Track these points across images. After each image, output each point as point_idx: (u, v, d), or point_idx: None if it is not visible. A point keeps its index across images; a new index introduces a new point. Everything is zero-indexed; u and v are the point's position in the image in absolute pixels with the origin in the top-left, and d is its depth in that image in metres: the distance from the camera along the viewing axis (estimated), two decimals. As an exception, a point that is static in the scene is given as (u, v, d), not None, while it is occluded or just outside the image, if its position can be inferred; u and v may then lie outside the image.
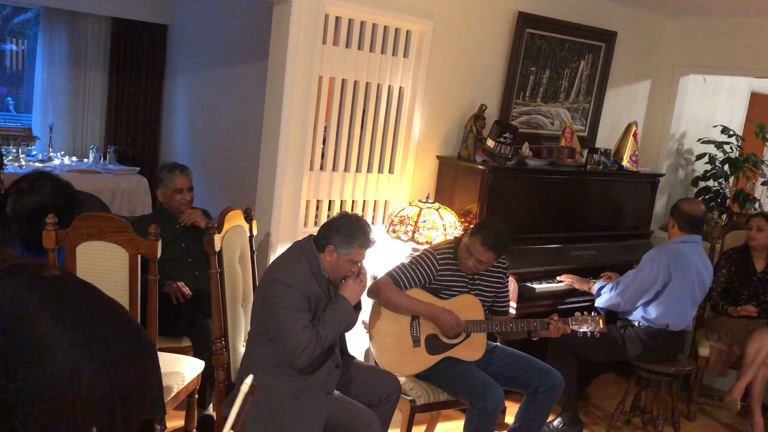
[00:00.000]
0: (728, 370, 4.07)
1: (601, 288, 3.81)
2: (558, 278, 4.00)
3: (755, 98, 5.93)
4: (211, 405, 3.33)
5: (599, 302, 3.77)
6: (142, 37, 6.71)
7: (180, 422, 3.26)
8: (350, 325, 2.67)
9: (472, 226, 3.24)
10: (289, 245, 3.56)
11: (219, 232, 2.82)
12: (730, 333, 4.03)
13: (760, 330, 3.90)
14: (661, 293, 3.64)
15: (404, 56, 3.90)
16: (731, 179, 5.13)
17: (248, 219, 3.17)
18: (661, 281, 3.63)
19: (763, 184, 5.15)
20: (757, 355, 3.85)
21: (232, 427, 1.58)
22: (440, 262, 3.10)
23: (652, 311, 3.67)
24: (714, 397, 4.50)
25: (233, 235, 2.99)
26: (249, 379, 1.70)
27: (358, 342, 3.71)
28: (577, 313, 3.14)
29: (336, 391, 2.67)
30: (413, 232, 3.63)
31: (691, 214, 3.71)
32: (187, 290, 3.24)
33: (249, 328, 2.83)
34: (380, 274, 3.24)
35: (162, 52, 6.86)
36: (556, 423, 3.72)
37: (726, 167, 5.02)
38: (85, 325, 1.79)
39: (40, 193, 2.67)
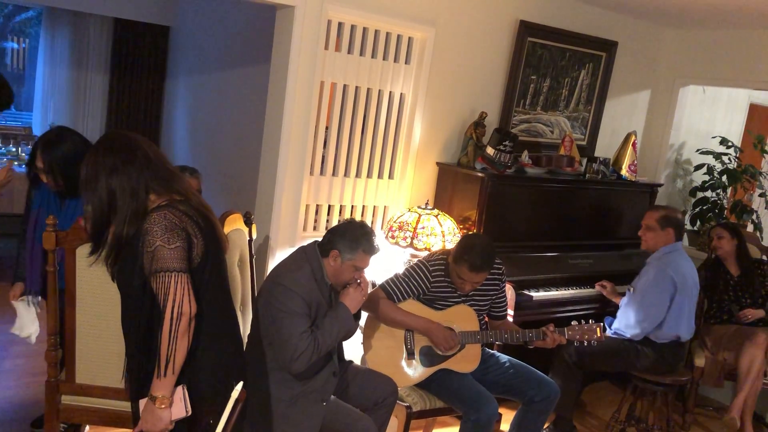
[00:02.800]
0: (723, 380, 4.08)
1: (610, 323, 3.78)
2: (596, 284, 4.06)
3: (754, 110, 5.96)
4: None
5: (614, 328, 3.73)
6: (143, 38, 6.73)
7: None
8: (349, 333, 2.68)
9: (457, 240, 3.22)
10: (288, 249, 3.58)
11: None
12: (722, 342, 4.05)
13: (750, 343, 3.91)
14: (671, 307, 3.66)
15: (406, 63, 3.92)
16: (729, 190, 5.14)
17: (248, 223, 3.17)
18: (670, 297, 3.65)
19: (760, 195, 5.17)
20: (751, 368, 3.86)
21: None
22: (433, 273, 3.10)
23: (664, 325, 3.68)
24: (709, 407, 4.51)
25: (233, 239, 2.99)
26: (239, 386, 1.72)
27: (355, 347, 3.71)
28: (574, 323, 3.14)
29: (332, 396, 2.67)
30: (412, 238, 3.64)
31: (681, 222, 3.80)
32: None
33: (247, 332, 2.84)
34: (379, 281, 3.24)
35: (163, 53, 6.87)
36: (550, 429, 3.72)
37: (724, 178, 5.04)
38: None
39: (69, 141, 2.85)
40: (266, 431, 2.56)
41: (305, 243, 2.78)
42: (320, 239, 2.71)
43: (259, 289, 2.66)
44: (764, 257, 4.41)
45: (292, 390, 2.56)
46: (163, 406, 1.93)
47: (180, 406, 1.96)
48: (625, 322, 3.68)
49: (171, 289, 1.91)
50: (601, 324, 3.16)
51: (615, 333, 3.72)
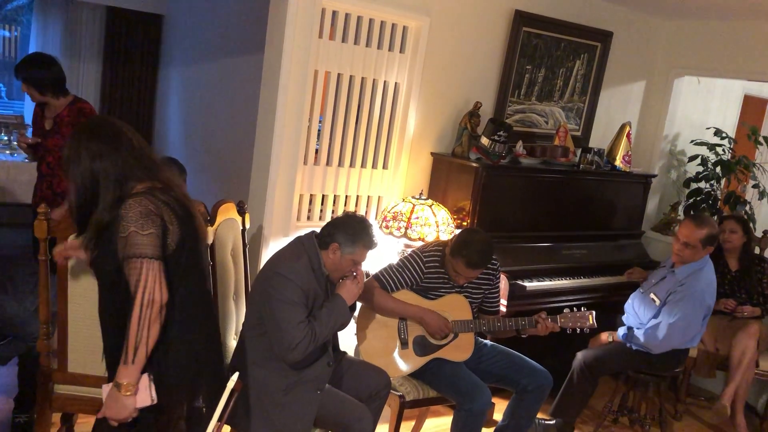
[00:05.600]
0: (715, 371, 4.10)
1: (629, 329, 3.66)
2: (626, 273, 4.02)
3: (748, 101, 5.96)
4: (201, 398, 3.32)
5: (649, 344, 3.58)
6: (136, 26, 6.67)
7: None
8: (345, 324, 2.68)
9: (456, 232, 3.22)
10: (281, 239, 3.57)
11: (211, 225, 2.82)
12: (715, 334, 4.06)
13: (742, 333, 3.93)
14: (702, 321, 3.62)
15: (400, 52, 3.90)
16: (723, 181, 5.15)
17: (241, 212, 3.17)
18: (702, 318, 3.59)
19: (753, 186, 5.18)
20: (742, 359, 3.88)
21: (218, 421, 1.60)
22: (427, 264, 3.10)
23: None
24: (701, 397, 4.54)
25: (226, 228, 2.99)
26: (235, 376, 1.71)
27: (348, 337, 3.71)
28: (566, 310, 3.13)
29: (327, 385, 2.67)
30: (406, 228, 3.63)
31: (718, 237, 3.67)
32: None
33: (240, 322, 2.83)
34: (372, 271, 3.24)
35: (157, 42, 6.82)
36: (548, 423, 3.73)
37: (718, 169, 5.04)
38: None
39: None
40: (262, 420, 2.56)
41: (299, 233, 2.78)
42: (317, 230, 2.70)
43: (255, 278, 2.66)
44: (764, 255, 4.38)
45: (287, 379, 2.56)
46: (127, 393, 1.91)
47: (145, 395, 1.94)
48: (653, 342, 3.52)
49: (142, 276, 1.90)
50: (593, 312, 3.15)
51: (633, 345, 3.61)
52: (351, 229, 2.60)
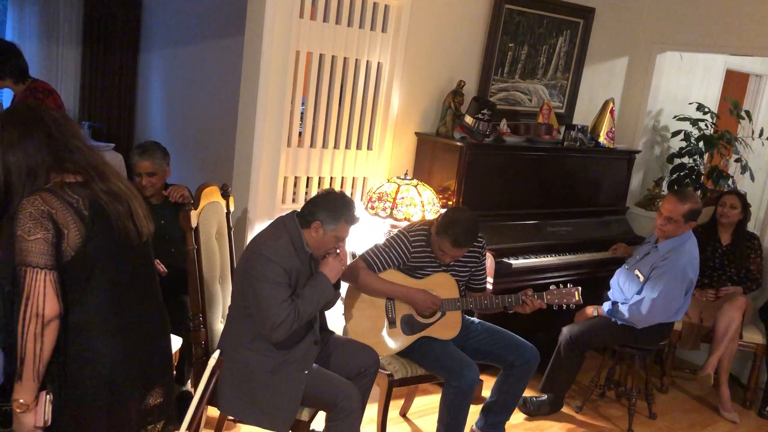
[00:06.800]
0: (700, 343, 4.15)
1: (614, 304, 3.71)
2: (611, 249, 4.11)
3: (730, 76, 5.98)
4: (189, 381, 3.33)
5: (633, 320, 3.62)
6: (116, 10, 6.56)
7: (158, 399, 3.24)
8: (330, 302, 2.69)
9: (442, 212, 3.22)
10: (266, 222, 3.56)
11: (195, 209, 2.80)
12: (701, 307, 4.11)
13: (729, 305, 3.98)
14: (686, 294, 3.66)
15: (383, 31, 3.87)
16: (706, 156, 5.19)
17: (225, 195, 3.15)
18: (685, 292, 3.62)
19: (736, 161, 5.22)
20: (727, 330, 3.93)
21: (199, 401, 1.60)
22: (413, 243, 3.11)
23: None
24: (686, 369, 4.60)
25: (210, 212, 2.97)
26: (216, 354, 1.71)
27: (336, 317, 3.73)
28: (552, 287, 3.16)
29: (315, 364, 2.68)
30: (391, 209, 3.63)
31: (699, 210, 3.66)
32: (162, 268, 3.22)
33: (227, 305, 2.82)
34: (359, 252, 3.24)
35: (136, 26, 6.72)
36: (540, 400, 3.77)
37: (701, 144, 5.07)
38: None
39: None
40: (247, 401, 2.57)
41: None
42: (299, 210, 2.69)
43: (238, 260, 2.66)
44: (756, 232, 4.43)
45: (273, 359, 2.57)
46: (19, 411, 1.74)
47: (40, 413, 1.77)
48: (637, 317, 3.56)
49: (26, 286, 1.71)
50: (579, 288, 3.17)
51: (618, 320, 3.65)
52: (332, 206, 2.60)
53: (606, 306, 3.74)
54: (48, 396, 1.79)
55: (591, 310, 3.78)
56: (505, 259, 3.88)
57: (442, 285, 3.13)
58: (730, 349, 3.98)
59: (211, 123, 5.50)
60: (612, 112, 4.60)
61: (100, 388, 1.84)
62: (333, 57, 3.72)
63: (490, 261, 3.71)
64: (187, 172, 5.54)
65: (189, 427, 1.87)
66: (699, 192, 5.12)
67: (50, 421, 1.79)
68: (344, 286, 3.11)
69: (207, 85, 5.58)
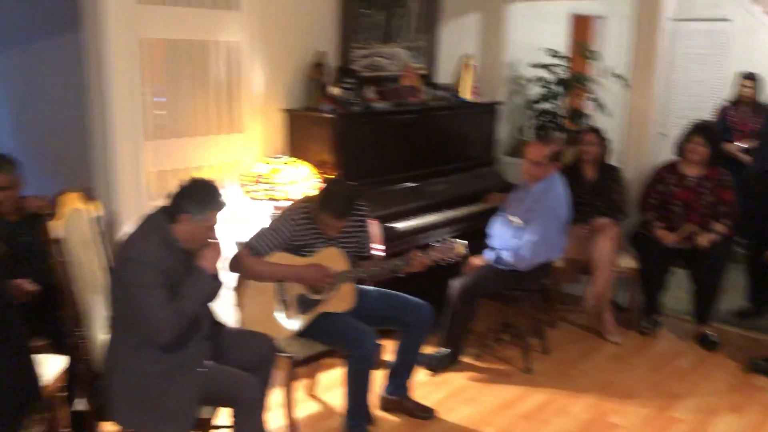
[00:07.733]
0: (577, 275, 4.40)
1: (497, 252, 3.81)
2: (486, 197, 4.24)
3: (577, 20, 6.28)
4: (75, 399, 3.13)
5: (518, 264, 3.74)
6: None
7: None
8: (212, 295, 2.60)
9: (320, 187, 3.19)
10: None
11: (54, 218, 2.61)
12: (576, 242, 4.34)
13: (601, 236, 4.24)
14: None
15: (235, 9, 3.74)
16: (564, 99, 5.45)
17: (89, 199, 2.96)
18: (558, 231, 3.81)
19: (592, 100, 5.52)
20: (601, 258, 4.19)
21: None
22: (298, 222, 3.06)
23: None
24: (570, 303, 4.87)
25: (72, 221, 2.78)
26: None
27: (228, 310, 3.63)
28: (435, 243, 3.21)
29: (210, 362, 2.60)
30: (271, 190, 3.56)
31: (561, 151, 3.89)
32: (30, 287, 2.99)
33: (108, 315, 2.67)
34: (244, 239, 3.16)
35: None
36: (440, 355, 3.86)
37: (558, 88, 5.31)
38: None
39: None
40: (144, 411, 2.46)
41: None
42: (165, 205, 2.57)
43: (111, 268, 2.51)
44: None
45: (164, 364, 2.46)
46: None
47: None
48: (521, 261, 3.70)
49: None
50: (465, 242, 3.24)
51: (504, 265, 3.77)
52: (197, 196, 2.50)
53: (489, 254, 3.87)
54: None
55: (477, 260, 3.90)
56: (391, 224, 3.91)
57: (331, 259, 3.11)
58: (606, 277, 4.24)
59: (63, 126, 5.13)
60: (474, 67, 4.72)
61: None
62: (187, 42, 3.55)
63: (376, 228, 3.73)
64: (44, 180, 5.16)
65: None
66: (563, 133, 5.38)
67: None
68: (234, 277, 3.03)
69: (52, 87, 5.20)
